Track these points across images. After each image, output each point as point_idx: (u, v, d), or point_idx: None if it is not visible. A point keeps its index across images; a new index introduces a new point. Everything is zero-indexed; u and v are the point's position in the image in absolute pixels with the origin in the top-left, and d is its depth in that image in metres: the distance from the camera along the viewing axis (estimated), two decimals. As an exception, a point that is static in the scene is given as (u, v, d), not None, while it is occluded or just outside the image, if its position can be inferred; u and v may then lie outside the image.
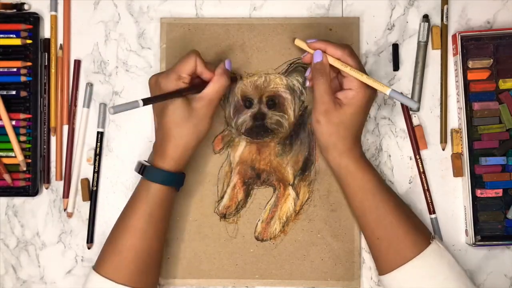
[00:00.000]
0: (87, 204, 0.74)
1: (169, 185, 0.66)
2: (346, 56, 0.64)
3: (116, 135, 0.75)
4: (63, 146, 0.75)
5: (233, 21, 0.74)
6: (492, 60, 0.72)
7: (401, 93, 0.61)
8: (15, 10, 0.74)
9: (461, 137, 0.73)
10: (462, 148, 0.72)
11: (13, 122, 0.73)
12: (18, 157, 0.72)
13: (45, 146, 0.74)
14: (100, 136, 0.74)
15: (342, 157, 0.66)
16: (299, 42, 0.69)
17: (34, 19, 0.74)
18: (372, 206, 0.66)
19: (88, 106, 0.74)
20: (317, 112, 0.65)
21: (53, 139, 0.75)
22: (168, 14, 0.75)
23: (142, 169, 0.66)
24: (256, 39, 0.74)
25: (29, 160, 0.73)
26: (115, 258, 0.65)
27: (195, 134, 0.65)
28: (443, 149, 0.74)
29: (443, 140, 0.73)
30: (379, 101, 0.74)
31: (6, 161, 0.73)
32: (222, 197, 0.73)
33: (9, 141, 0.72)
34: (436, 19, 0.74)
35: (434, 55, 0.74)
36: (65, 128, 0.75)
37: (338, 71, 0.66)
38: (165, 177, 0.65)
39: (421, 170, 0.73)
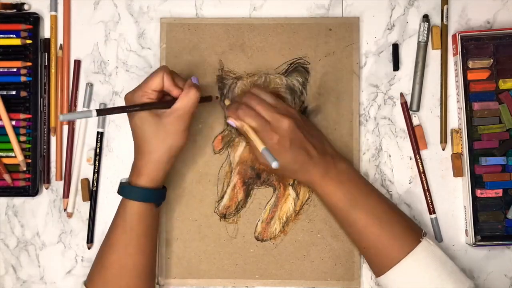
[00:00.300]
0: (87, 204, 0.74)
1: (146, 201, 0.65)
2: (243, 117, 0.65)
3: (116, 135, 0.75)
4: (63, 146, 0.75)
5: (233, 21, 0.74)
6: (492, 60, 0.72)
7: (267, 151, 0.61)
8: (15, 10, 0.74)
9: (461, 137, 0.73)
10: (462, 148, 0.72)
11: (13, 122, 0.73)
12: (18, 157, 0.72)
13: (45, 146, 0.74)
14: (100, 136, 0.74)
15: (308, 185, 0.70)
16: (226, 103, 0.72)
17: (34, 19, 0.74)
18: (349, 221, 0.67)
19: (88, 106, 0.74)
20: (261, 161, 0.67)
21: (53, 139, 0.75)
22: (168, 14, 0.75)
23: (119, 187, 0.67)
24: (256, 39, 0.74)
25: (29, 160, 0.73)
26: (103, 273, 0.65)
27: (166, 149, 0.64)
28: (443, 149, 0.74)
29: (443, 140, 0.73)
30: (379, 101, 0.74)
31: (6, 161, 0.73)
32: (222, 197, 0.73)
33: (9, 141, 0.72)
34: (436, 19, 0.74)
35: (434, 55, 0.74)
36: (65, 128, 0.75)
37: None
38: (139, 194, 0.65)
39: (421, 170, 0.73)
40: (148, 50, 0.75)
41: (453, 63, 0.74)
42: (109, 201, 0.74)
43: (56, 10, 0.75)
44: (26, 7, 0.75)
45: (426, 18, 0.74)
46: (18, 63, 0.73)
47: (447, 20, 0.74)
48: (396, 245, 0.65)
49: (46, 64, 0.74)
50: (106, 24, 0.75)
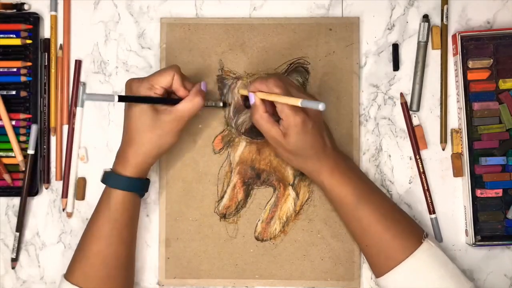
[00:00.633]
0: (87, 204, 0.74)
1: (130, 191, 0.66)
2: (272, 87, 0.63)
3: (116, 135, 0.75)
4: (63, 146, 0.75)
5: (233, 21, 0.74)
6: (492, 60, 0.72)
7: (311, 101, 0.58)
8: (15, 10, 0.74)
9: (461, 137, 0.73)
10: (462, 148, 0.72)
11: (13, 122, 0.73)
12: (17, 157, 0.72)
13: (45, 146, 0.74)
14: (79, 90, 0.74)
15: (313, 176, 0.67)
16: (242, 91, 0.71)
17: (34, 19, 0.74)
18: (354, 218, 0.66)
19: (82, 106, 0.74)
20: (272, 147, 0.67)
21: (53, 139, 0.75)
22: (168, 14, 0.75)
23: (103, 176, 0.67)
24: (256, 39, 0.74)
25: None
26: (83, 264, 0.65)
27: (157, 145, 0.65)
28: (443, 149, 0.74)
29: (443, 140, 0.73)
30: (379, 101, 0.74)
31: (6, 161, 0.73)
32: (222, 197, 0.73)
33: (9, 141, 0.72)
34: (436, 19, 0.74)
35: (434, 55, 0.74)
36: (65, 128, 0.75)
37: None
38: (126, 183, 0.65)
39: (421, 170, 0.73)
40: (148, 50, 0.75)
41: (453, 63, 0.74)
42: (109, 201, 0.74)
43: (56, 10, 0.75)
44: (26, 7, 0.75)
45: (426, 18, 0.74)
46: (18, 63, 0.73)
47: (447, 20, 0.74)
48: (399, 245, 0.65)
49: (46, 64, 0.74)
50: (106, 24, 0.75)
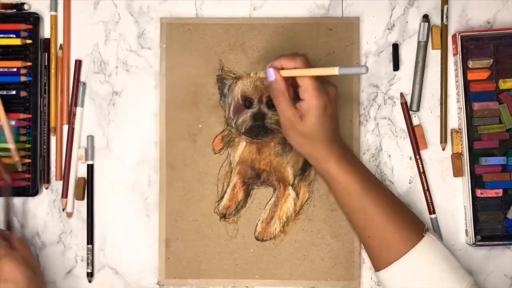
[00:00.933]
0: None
1: None
2: (300, 63, 0.63)
3: (116, 135, 0.75)
4: (63, 146, 0.75)
5: (233, 21, 0.74)
6: (492, 60, 0.72)
7: (350, 66, 0.58)
8: (15, 10, 0.74)
9: (461, 137, 0.73)
10: (462, 148, 0.72)
11: (13, 122, 0.73)
12: (14, 158, 0.72)
13: (45, 146, 0.74)
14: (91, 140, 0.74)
15: (320, 163, 0.66)
16: (254, 74, 0.70)
17: (34, 19, 0.74)
18: (358, 208, 0.66)
19: (82, 106, 0.74)
20: (283, 128, 0.66)
21: (53, 139, 0.75)
22: (168, 14, 0.75)
23: None
24: (256, 39, 0.74)
25: (29, 160, 0.73)
26: None
27: None
28: (443, 149, 0.74)
29: (443, 140, 0.73)
30: (379, 101, 0.74)
31: (6, 161, 0.73)
32: (222, 197, 0.73)
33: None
34: (436, 19, 0.74)
35: (434, 55, 0.74)
36: (65, 128, 0.75)
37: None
38: None
39: (421, 170, 0.73)
40: (148, 50, 0.75)
41: (453, 63, 0.74)
42: (109, 201, 0.74)
43: (56, 10, 0.75)
44: (26, 7, 0.75)
45: (426, 18, 0.74)
46: (18, 63, 0.73)
47: (447, 20, 0.74)
48: (401, 238, 0.65)
49: (46, 64, 0.74)
50: (106, 24, 0.75)
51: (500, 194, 0.71)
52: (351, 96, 0.73)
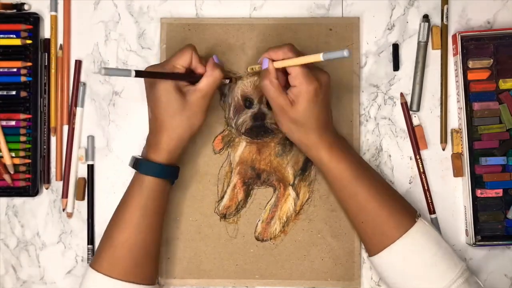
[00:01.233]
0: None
1: (163, 178, 0.66)
2: (287, 52, 0.64)
3: (116, 135, 0.75)
4: (63, 146, 0.75)
5: (233, 21, 0.74)
6: (492, 60, 0.72)
7: (333, 51, 0.58)
8: (15, 10, 0.74)
9: (461, 137, 0.73)
10: (462, 148, 0.72)
11: (13, 122, 0.73)
12: (6, 161, 0.72)
13: (45, 147, 0.74)
14: (90, 141, 0.74)
15: (311, 150, 0.67)
16: (250, 69, 0.71)
17: (34, 19, 0.74)
18: (351, 194, 0.66)
19: (82, 106, 0.74)
20: (275, 114, 0.67)
21: (53, 139, 0.75)
22: (168, 14, 0.75)
23: (135, 162, 0.66)
24: (256, 39, 0.74)
25: (29, 161, 0.73)
26: (110, 253, 0.65)
27: (189, 127, 0.65)
28: (443, 149, 0.74)
29: (443, 140, 0.73)
30: (379, 101, 0.74)
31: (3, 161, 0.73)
32: (222, 197, 0.73)
33: (9, 142, 0.72)
34: (436, 19, 0.74)
35: (434, 55, 0.74)
36: (65, 128, 0.75)
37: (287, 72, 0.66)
38: (159, 170, 0.65)
39: (421, 170, 0.73)
40: (148, 50, 0.75)
41: (453, 63, 0.74)
42: (109, 201, 0.74)
43: (56, 10, 0.75)
44: (26, 7, 0.75)
45: (426, 18, 0.74)
46: (18, 63, 0.73)
47: (447, 20, 0.73)
48: (394, 223, 0.65)
49: (46, 64, 0.74)
50: (106, 24, 0.75)
51: (500, 194, 0.71)
52: (351, 96, 0.73)
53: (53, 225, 0.74)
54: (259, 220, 0.73)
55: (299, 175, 0.73)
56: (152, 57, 0.75)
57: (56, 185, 0.75)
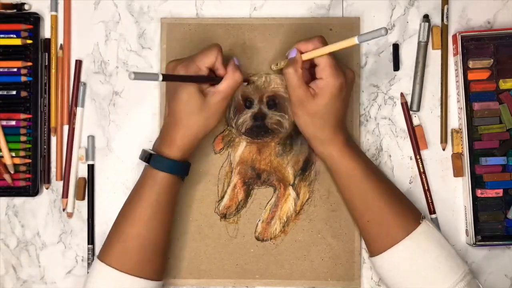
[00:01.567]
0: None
1: (176, 174, 0.66)
2: (317, 44, 0.64)
3: (116, 135, 0.75)
4: (63, 146, 0.75)
5: (233, 21, 0.74)
6: (492, 60, 0.72)
7: (368, 32, 0.57)
8: (15, 10, 0.74)
9: (461, 137, 0.73)
10: (462, 148, 0.72)
11: (13, 122, 0.73)
12: (7, 160, 0.72)
13: (45, 146, 0.74)
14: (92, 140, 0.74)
15: (324, 146, 0.67)
16: (274, 66, 0.71)
17: (35, 19, 0.74)
18: (359, 192, 0.66)
19: (82, 105, 0.74)
20: (292, 105, 0.66)
21: (53, 139, 0.75)
22: (169, 14, 0.75)
23: (148, 157, 0.66)
24: (256, 39, 0.74)
25: (29, 160, 0.73)
26: (119, 246, 0.65)
27: (205, 127, 0.66)
28: (444, 149, 0.74)
29: (444, 140, 0.73)
30: (380, 101, 0.74)
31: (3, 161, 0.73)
32: (222, 197, 0.73)
33: (9, 142, 0.72)
34: (436, 19, 0.74)
35: (434, 55, 0.74)
36: (65, 128, 0.75)
37: (312, 65, 0.66)
38: (172, 166, 0.65)
39: (421, 170, 0.73)
40: (149, 50, 0.75)
41: (454, 63, 0.74)
42: (109, 201, 0.74)
43: (56, 10, 0.75)
44: (26, 7, 0.75)
45: (426, 18, 0.74)
46: (19, 63, 0.73)
47: (447, 20, 0.73)
48: (398, 224, 0.65)
49: (47, 64, 0.74)
50: (106, 24, 0.75)
51: (501, 194, 0.71)
52: (351, 96, 0.73)
53: (53, 225, 0.74)
54: (259, 220, 0.73)
55: (299, 175, 0.73)
56: (152, 57, 0.75)
57: (56, 185, 0.75)
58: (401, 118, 0.74)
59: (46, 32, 0.75)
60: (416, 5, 0.74)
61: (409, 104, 0.74)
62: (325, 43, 0.65)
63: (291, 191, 0.73)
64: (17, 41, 0.73)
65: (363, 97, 0.74)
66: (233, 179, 0.74)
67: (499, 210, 0.71)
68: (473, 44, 0.72)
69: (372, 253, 0.68)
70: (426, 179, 0.73)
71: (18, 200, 0.75)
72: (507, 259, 0.73)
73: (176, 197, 0.68)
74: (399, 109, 0.74)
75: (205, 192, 0.73)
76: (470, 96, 0.72)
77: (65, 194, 0.74)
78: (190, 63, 0.65)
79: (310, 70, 0.67)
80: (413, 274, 0.64)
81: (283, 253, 0.73)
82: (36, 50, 0.74)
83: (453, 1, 0.74)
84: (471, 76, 0.72)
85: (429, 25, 0.74)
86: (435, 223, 0.73)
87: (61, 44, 0.75)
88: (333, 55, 0.64)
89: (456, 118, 0.74)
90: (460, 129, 0.73)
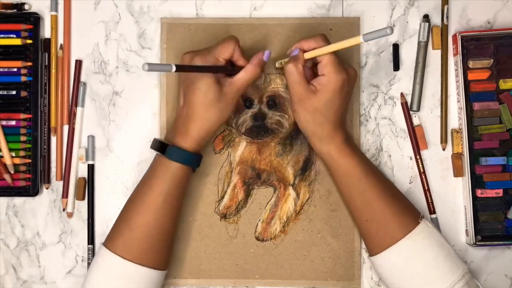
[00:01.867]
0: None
1: (189, 165, 0.66)
2: (320, 41, 0.65)
3: (116, 135, 0.75)
4: (63, 146, 0.75)
5: (233, 21, 0.74)
6: (492, 60, 0.72)
7: (374, 30, 0.58)
8: (15, 10, 0.74)
9: (461, 137, 0.73)
10: (462, 148, 0.72)
11: (13, 122, 0.73)
12: (7, 160, 0.72)
13: (45, 146, 0.74)
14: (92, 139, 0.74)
15: (323, 143, 0.67)
16: (279, 64, 0.71)
17: (35, 19, 0.74)
18: (358, 191, 0.66)
19: (82, 105, 0.74)
20: (292, 102, 0.66)
21: (53, 139, 0.75)
22: (169, 14, 0.75)
23: (161, 146, 0.66)
24: (256, 39, 0.74)
25: (29, 160, 0.73)
26: (127, 235, 0.65)
27: (219, 118, 0.66)
28: (444, 149, 0.74)
29: (444, 140, 0.73)
30: (380, 101, 0.74)
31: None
32: (222, 197, 0.73)
33: (9, 141, 0.72)
34: (436, 19, 0.74)
35: (434, 55, 0.74)
36: (66, 128, 0.75)
37: (314, 64, 0.66)
38: (186, 157, 0.65)
39: (421, 170, 0.73)
40: (149, 50, 0.75)
41: (454, 63, 0.74)
42: (109, 201, 0.74)
43: (56, 10, 0.75)
44: (26, 7, 0.75)
45: (426, 18, 0.74)
46: (19, 63, 0.73)
47: (447, 20, 0.74)
48: (397, 223, 0.65)
49: (47, 64, 0.74)
50: (106, 24, 0.75)
51: (501, 194, 0.71)
52: (351, 96, 0.73)
53: (53, 225, 0.74)
54: (259, 220, 0.73)
55: (299, 175, 0.73)
56: (152, 57, 0.75)
57: (56, 185, 0.75)
58: (401, 118, 0.74)
59: (46, 32, 0.75)
60: (416, 5, 0.74)
61: (409, 104, 0.74)
62: (327, 41, 0.65)
63: (291, 191, 0.73)
64: (17, 41, 0.73)
65: (363, 97, 0.74)
66: (233, 179, 0.74)
67: (499, 210, 0.71)
68: (473, 44, 0.72)
69: (371, 252, 0.68)
70: (426, 179, 0.73)
71: (18, 200, 0.75)
72: (507, 259, 0.73)
73: (186, 189, 0.68)
74: (399, 109, 0.74)
75: (205, 192, 0.73)
76: (470, 96, 0.72)
77: (65, 194, 0.74)
78: (208, 55, 0.65)
79: (312, 69, 0.67)
80: (412, 274, 0.65)
81: (283, 253, 0.73)
82: (36, 50, 0.74)
83: (453, 1, 0.74)
84: (471, 76, 0.72)
85: (429, 25, 0.74)
86: (435, 223, 0.73)
87: (61, 44, 0.75)
88: (335, 52, 0.64)
89: (456, 118, 0.74)
90: (460, 129, 0.73)
